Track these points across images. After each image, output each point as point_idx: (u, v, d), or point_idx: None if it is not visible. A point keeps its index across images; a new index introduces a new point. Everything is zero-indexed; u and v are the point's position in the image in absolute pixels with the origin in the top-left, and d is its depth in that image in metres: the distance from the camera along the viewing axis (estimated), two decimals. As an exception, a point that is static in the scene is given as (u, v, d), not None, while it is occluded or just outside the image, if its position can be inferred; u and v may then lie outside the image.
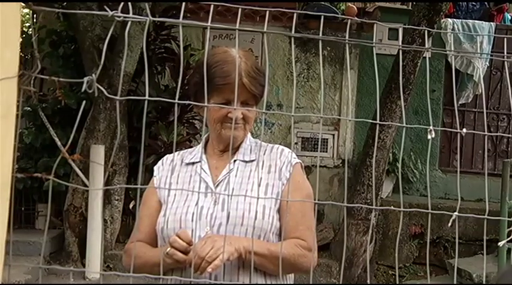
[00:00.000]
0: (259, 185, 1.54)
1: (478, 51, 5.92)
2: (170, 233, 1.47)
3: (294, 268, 1.52)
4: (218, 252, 1.33)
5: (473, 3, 7.26)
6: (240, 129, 1.56)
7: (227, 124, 1.52)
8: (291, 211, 1.51)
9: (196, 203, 1.50)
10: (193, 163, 1.61)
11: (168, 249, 1.37)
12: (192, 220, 1.47)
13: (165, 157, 1.69)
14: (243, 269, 1.46)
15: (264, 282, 1.50)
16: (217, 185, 1.54)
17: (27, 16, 5.06)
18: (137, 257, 1.50)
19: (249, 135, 1.63)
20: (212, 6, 1.06)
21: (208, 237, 1.38)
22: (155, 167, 1.67)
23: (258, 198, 1.50)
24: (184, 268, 1.45)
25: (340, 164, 6.58)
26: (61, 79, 0.94)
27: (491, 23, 6.79)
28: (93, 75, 0.85)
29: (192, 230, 1.45)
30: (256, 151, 1.60)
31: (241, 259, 1.42)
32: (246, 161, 1.58)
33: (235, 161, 1.58)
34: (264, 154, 1.61)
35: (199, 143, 1.72)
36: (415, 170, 6.48)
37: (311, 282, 1.10)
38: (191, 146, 1.77)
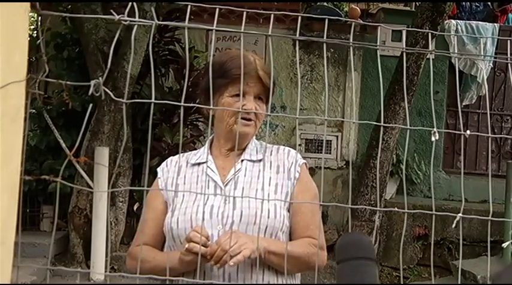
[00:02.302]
0: (269, 184, 1.55)
1: (482, 52, 5.91)
2: (181, 233, 1.48)
3: (308, 266, 1.53)
4: (242, 248, 1.35)
5: (477, 4, 7.25)
6: (252, 125, 1.57)
7: (240, 119, 1.54)
8: (301, 211, 1.54)
9: (206, 202, 1.51)
10: (199, 164, 1.62)
11: (187, 245, 1.37)
12: (203, 219, 1.47)
13: (169, 159, 1.69)
14: (255, 267, 1.47)
15: (275, 282, 1.51)
16: (226, 185, 1.55)
17: (32, 19, 5.07)
18: (145, 261, 1.50)
19: (253, 136, 1.65)
20: (217, 9, 1.07)
21: (232, 232, 1.39)
22: (159, 169, 1.67)
23: (268, 200, 1.51)
24: (194, 272, 1.45)
25: (344, 166, 6.57)
26: (68, 82, 0.95)
27: (495, 24, 6.78)
28: (100, 78, 0.86)
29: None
30: (262, 151, 1.62)
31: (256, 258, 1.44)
32: (254, 161, 1.60)
33: (242, 161, 1.60)
34: (271, 154, 1.63)
35: (203, 145, 1.73)
36: (418, 172, 6.47)
37: (315, 281, 1.11)
38: (195, 148, 1.76)
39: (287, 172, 1.58)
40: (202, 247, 1.35)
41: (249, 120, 1.56)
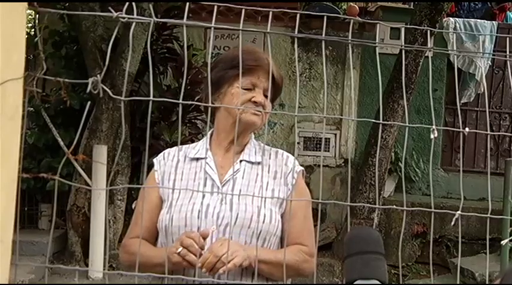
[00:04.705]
0: (266, 189, 1.56)
1: (480, 50, 5.91)
2: (175, 230, 1.47)
3: (297, 273, 1.55)
4: (233, 255, 1.36)
5: (475, 2, 7.26)
6: (260, 116, 1.56)
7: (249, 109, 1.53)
8: (297, 216, 1.54)
9: (202, 201, 1.50)
10: (197, 159, 1.60)
11: (180, 249, 1.36)
12: (198, 218, 1.46)
13: (166, 151, 1.66)
14: (246, 270, 1.47)
15: (265, 282, 1.52)
16: (224, 185, 1.54)
17: (30, 17, 5.07)
18: (139, 255, 1.49)
19: (252, 135, 1.64)
20: (215, 6, 1.06)
21: (224, 240, 1.40)
22: (155, 160, 1.64)
23: (265, 199, 1.52)
24: (184, 270, 1.44)
25: (343, 164, 6.58)
26: (66, 80, 0.94)
27: (493, 21, 6.78)
28: (98, 76, 0.86)
29: (198, 228, 1.44)
30: (261, 154, 1.61)
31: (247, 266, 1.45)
32: (252, 163, 1.59)
33: (241, 161, 1.58)
34: (270, 158, 1.62)
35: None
36: (417, 170, 6.47)
37: (315, 282, 1.11)
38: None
39: (284, 178, 1.58)
40: (194, 257, 1.35)
41: (258, 110, 1.55)
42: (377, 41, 1.10)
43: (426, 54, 5.45)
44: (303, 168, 1.65)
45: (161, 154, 1.65)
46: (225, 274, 1.40)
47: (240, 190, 1.53)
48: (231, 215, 1.46)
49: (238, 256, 1.36)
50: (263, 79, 1.53)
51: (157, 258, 1.45)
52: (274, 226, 1.50)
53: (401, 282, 5.40)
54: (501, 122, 6.81)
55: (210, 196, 1.51)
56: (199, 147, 1.64)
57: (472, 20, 6.68)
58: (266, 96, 1.56)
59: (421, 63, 5.46)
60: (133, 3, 0.90)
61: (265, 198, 1.52)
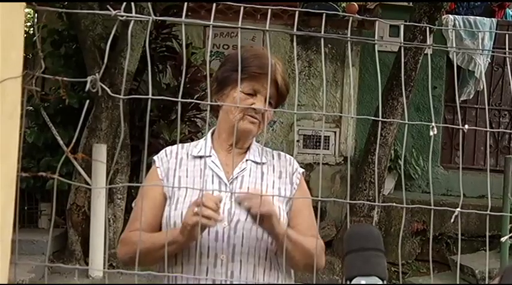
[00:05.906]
0: (272, 187, 1.58)
1: (480, 47, 5.91)
2: None
3: (312, 262, 1.48)
4: (270, 205, 1.40)
5: (474, -1, 7.26)
6: (256, 124, 1.57)
7: (247, 116, 1.54)
8: (304, 214, 1.58)
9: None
10: (200, 157, 1.59)
11: (197, 208, 1.32)
12: None
13: (168, 149, 1.65)
14: (258, 266, 1.48)
15: (275, 282, 1.52)
16: (231, 182, 1.55)
17: (28, 15, 5.07)
18: (139, 243, 1.45)
19: (253, 138, 1.66)
20: (214, 4, 1.06)
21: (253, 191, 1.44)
22: (156, 158, 1.62)
23: (273, 197, 1.53)
24: (195, 268, 1.44)
25: (342, 162, 6.58)
26: (65, 78, 0.94)
27: (493, 19, 6.78)
28: (97, 74, 0.86)
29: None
30: (264, 155, 1.63)
31: (256, 257, 1.47)
32: (257, 163, 1.60)
33: (247, 160, 1.60)
34: (273, 159, 1.65)
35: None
36: (416, 167, 6.47)
37: (314, 280, 1.11)
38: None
39: (289, 177, 1.61)
40: (213, 212, 1.32)
41: (256, 118, 1.56)
42: (376, 38, 1.10)
43: (425, 52, 5.45)
44: (304, 170, 1.68)
45: (162, 151, 1.64)
46: (236, 267, 1.42)
47: (248, 188, 1.54)
48: (241, 212, 1.45)
49: (274, 209, 1.40)
50: (266, 86, 1.50)
51: (162, 240, 1.40)
52: (282, 223, 1.51)
53: (401, 280, 5.40)
54: (501, 119, 6.81)
55: (218, 193, 1.51)
56: (201, 145, 1.63)
57: (471, 17, 6.68)
58: (271, 102, 1.57)
59: (420, 60, 5.46)
60: (132, 2, 0.90)
61: (273, 197, 1.52)
